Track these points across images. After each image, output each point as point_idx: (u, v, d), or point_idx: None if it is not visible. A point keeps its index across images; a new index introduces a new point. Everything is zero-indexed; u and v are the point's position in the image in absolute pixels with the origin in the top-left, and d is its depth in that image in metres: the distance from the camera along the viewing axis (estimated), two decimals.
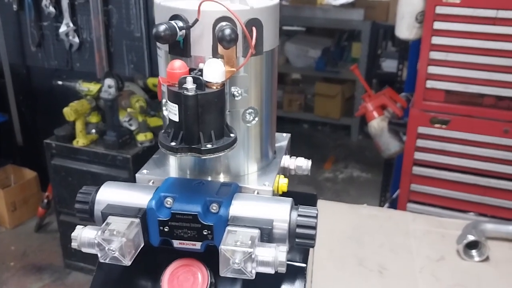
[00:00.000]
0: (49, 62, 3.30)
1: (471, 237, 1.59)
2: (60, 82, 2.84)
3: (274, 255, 0.65)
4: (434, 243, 1.69)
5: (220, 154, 0.66)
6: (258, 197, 0.76)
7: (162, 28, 0.64)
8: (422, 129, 2.34)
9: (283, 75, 5.44)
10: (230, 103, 0.74)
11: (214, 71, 0.65)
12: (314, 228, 0.70)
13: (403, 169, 2.48)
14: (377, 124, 2.68)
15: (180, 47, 0.70)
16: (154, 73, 3.04)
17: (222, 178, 0.80)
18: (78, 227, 0.72)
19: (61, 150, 2.78)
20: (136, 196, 0.74)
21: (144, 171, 0.82)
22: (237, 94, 0.74)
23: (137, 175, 0.81)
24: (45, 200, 3.39)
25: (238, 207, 0.71)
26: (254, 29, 0.69)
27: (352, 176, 4.36)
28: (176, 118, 0.65)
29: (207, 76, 0.65)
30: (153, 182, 0.80)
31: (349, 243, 1.70)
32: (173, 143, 0.66)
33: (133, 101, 2.66)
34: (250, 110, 0.77)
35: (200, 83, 0.64)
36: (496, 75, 2.16)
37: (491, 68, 2.16)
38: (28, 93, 3.54)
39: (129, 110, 2.74)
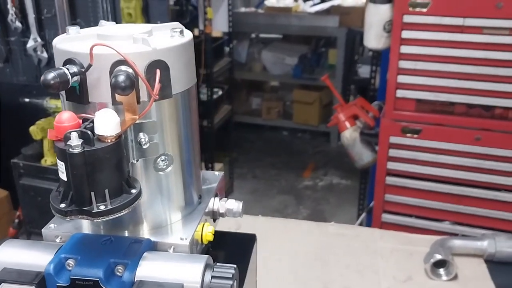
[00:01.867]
0: (17, 77, 3.23)
1: (438, 256, 1.55)
2: (27, 100, 2.77)
3: None
4: (401, 262, 1.65)
5: (116, 216, 0.60)
6: (170, 255, 0.69)
7: (50, 76, 0.58)
8: (394, 139, 2.31)
9: (261, 82, 5.41)
10: (137, 152, 0.68)
11: (105, 123, 0.58)
12: None
13: (377, 180, 2.44)
14: (350, 134, 2.64)
15: (76, 93, 0.64)
16: None
17: (143, 230, 0.73)
18: None
19: (29, 170, 2.71)
20: (36, 258, 0.67)
21: (51, 225, 0.75)
22: (145, 142, 0.67)
23: (43, 230, 0.74)
24: (16, 220, 3.30)
25: (146, 270, 0.64)
26: (157, 71, 0.63)
27: (331, 183, 4.32)
28: (64, 177, 0.58)
29: (98, 129, 0.59)
30: (60, 239, 0.73)
31: (315, 264, 1.65)
32: (62, 205, 0.59)
33: None
34: (163, 157, 0.71)
35: (88, 138, 0.58)
36: (466, 83, 2.14)
37: (460, 76, 2.14)
38: None
39: None
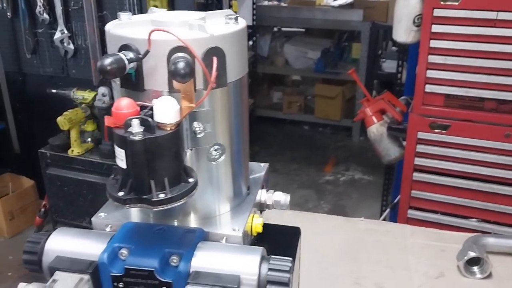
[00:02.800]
0: (44, 69, 3.27)
1: (472, 253, 1.52)
2: (54, 91, 2.80)
3: None
4: (433, 259, 1.62)
5: (175, 205, 0.59)
6: (225, 246, 0.68)
7: (107, 61, 0.57)
8: (421, 135, 2.28)
9: (283, 76, 5.37)
10: (192, 141, 0.67)
11: (165, 111, 0.57)
12: (287, 284, 0.62)
13: (404, 175, 2.42)
14: (376, 129, 2.61)
15: (132, 80, 0.63)
16: None
17: (190, 221, 0.73)
18: (21, 284, 0.65)
19: (56, 160, 2.74)
20: (89, 246, 0.66)
21: (101, 214, 0.75)
22: (199, 131, 0.66)
23: (93, 219, 0.74)
24: (43, 209, 3.34)
25: (201, 260, 0.64)
26: (214, 59, 0.62)
27: (353, 178, 4.28)
28: (123, 165, 0.58)
29: (158, 117, 0.58)
30: (111, 227, 0.73)
31: (346, 260, 1.63)
32: (120, 193, 0.58)
33: None
34: (216, 147, 0.70)
35: (148, 125, 0.57)
36: (497, 78, 2.10)
37: (491, 71, 2.10)
38: (24, 101, 3.50)
39: None
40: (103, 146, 2.60)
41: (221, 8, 3.62)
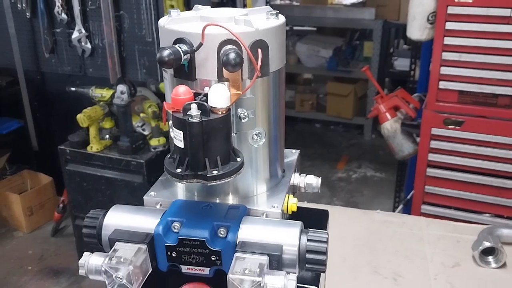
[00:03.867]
0: (62, 68, 3.34)
1: (487, 244, 1.57)
2: (73, 89, 2.86)
3: (283, 284, 0.64)
4: (449, 249, 1.67)
5: (227, 180, 0.66)
6: (267, 220, 0.75)
7: (166, 53, 0.63)
8: (435, 130, 2.32)
9: (295, 75, 5.43)
10: (236, 125, 0.73)
11: (219, 97, 0.64)
12: (324, 253, 0.69)
13: (417, 171, 2.45)
14: (390, 125, 2.65)
15: (185, 70, 0.69)
16: None
17: (230, 199, 0.79)
18: (85, 254, 0.72)
19: (75, 156, 2.80)
20: (144, 221, 0.73)
21: (151, 193, 0.82)
22: (244, 116, 0.73)
23: (144, 197, 0.81)
24: (61, 205, 3.43)
25: (247, 232, 0.70)
26: (259, 51, 0.68)
27: (365, 175, 4.33)
28: (181, 145, 0.64)
29: (212, 102, 0.64)
30: (160, 205, 0.80)
31: (363, 250, 1.69)
32: (178, 170, 0.65)
33: (146, 106, 2.67)
34: (257, 131, 0.76)
35: (204, 109, 0.63)
36: (510, 75, 2.14)
37: (505, 68, 2.13)
38: (42, 99, 3.58)
39: (142, 115, 2.75)
40: (121, 142, 2.66)
41: (235, 7, 3.70)
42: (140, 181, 2.65)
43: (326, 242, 0.69)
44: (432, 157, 2.37)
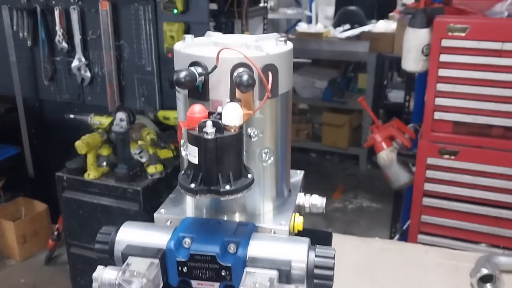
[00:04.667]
0: (61, 95, 3.38)
1: (485, 271, 1.58)
2: (72, 116, 2.88)
3: None
4: (447, 276, 1.68)
5: (239, 195, 0.68)
6: (275, 237, 0.77)
7: (182, 74, 0.67)
8: (431, 160, 2.35)
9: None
10: (246, 144, 0.76)
11: (232, 115, 0.67)
12: (332, 269, 0.71)
13: (413, 200, 2.47)
14: (386, 155, 2.68)
15: (199, 91, 0.73)
16: (164, 106, 3.09)
17: (238, 217, 0.82)
18: (99, 267, 0.73)
19: (72, 183, 2.80)
20: (155, 236, 0.75)
21: (162, 210, 0.84)
22: (254, 135, 0.76)
23: (155, 214, 0.83)
24: (56, 233, 3.40)
25: (256, 248, 0.72)
26: (270, 74, 0.72)
27: (362, 206, 4.34)
28: (195, 161, 0.67)
29: (225, 120, 0.67)
30: (170, 222, 0.82)
31: (362, 277, 1.69)
32: (192, 185, 0.67)
33: (144, 134, 2.69)
34: (266, 150, 0.79)
35: (219, 127, 0.66)
36: (504, 106, 2.18)
37: (498, 99, 2.18)
38: (40, 126, 3.60)
39: (140, 142, 2.77)
40: (119, 170, 2.67)
41: None
42: (136, 209, 2.65)
43: (333, 257, 0.71)
44: (428, 186, 2.39)
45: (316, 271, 0.71)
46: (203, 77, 0.71)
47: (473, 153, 2.27)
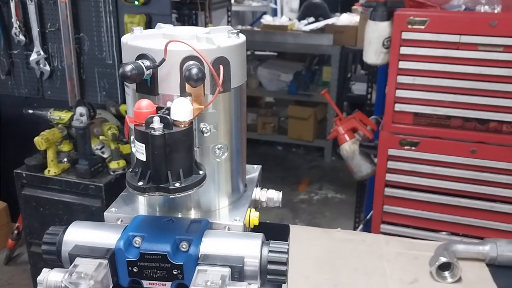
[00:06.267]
0: (19, 90, 3.26)
1: (443, 259, 1.61)
2: (30, 111, 2.79)
3: None
4: (407, 265, 1.71)
5: (189, 193, 0.66)
6: (229, 233, 0.76)
7: (128, 68, 0.64)
8: (392, 151, 2.38)
9: (256, 98, 5.49)
10: (199, 139, 0.74)
11: (181, 110, 0.65)
12: (285, 264, 0.70)
13: (376, 191, 2.51)
14: (349, 147, 2.71)
15: (147, 85, 0.70)
16: None
17: (192, 214, 0.80)
18: (44, 270, 0.70)
19: (32, 180, 2.72)
20: (104, 236, 0.73)
21: (112, 209, 0.81)
22: (206, 131, 0.74)
23: (105, 213, 0.80)
24: (15, 231, 3.30)
25: (209, 245, 0.71)
26: (221, 67, 0.70)
27: (326, 197, 4.39)
28: (143, 158, 0.65)
29: (174, 115, 0.65)
30: (121, 221, 0.79)
31: (324, 268, 1.70)
32: (140, 183, 0.65)
33: (105, 129, 2.63)
34: (219, 146, 0.78)
35: (167, 122, 0.64)
36: (462, 98, 2.23)
37: (457, 91, 2.22)
38: None
39: (101, 137, 2.71)
40: (80, 166, 2.61)
41: None
42: (99, 205, 2.59)
43: (287, 252, 0.70)
44: (390, 177, 2.42)
45: (270, 266, 0.70)
46: (151, 70, 0.68)
47: (433, 144, 2.32)
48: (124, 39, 0.76)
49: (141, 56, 0.70)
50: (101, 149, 2.71)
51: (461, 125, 2.30)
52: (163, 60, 0.68)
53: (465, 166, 2.29)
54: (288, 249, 0.71)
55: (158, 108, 0.68)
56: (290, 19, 5.37)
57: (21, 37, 3.05)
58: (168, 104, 0.68)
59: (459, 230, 2.40)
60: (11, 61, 3.19)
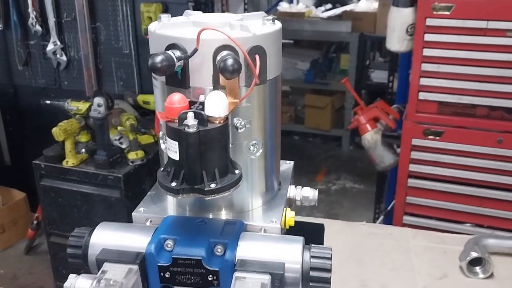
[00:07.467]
0: (36, 80, 3.26)
1: (474, 254, 1.56)
2: (48, 102, 2.78)
3: None
4: (436, 260, 1.66)
5: (225, 194, 0.62)
6: (266, 236, 0.71)
7: (158, 59, 0.59)
8: (416, 141, 2.32)
9: None
10: (232, 136, 0.69)
11: (217, 105, 0.60)
12: (329, 271, 0.65)
13: (398, 181, 2.45)
14: (371, 137, 2.65)
15: (178, 78, 0.65)
16: (144, 89, 3.00)
17: (224, 214, 0.75)
18: (71, 276, 0.66)
19: (50, 171, 2.71)
20: (134, 239, 0.69)
21: (140, 209, 0.77)
22: (240, 126, 0.69)
23: (133, 214, 0.76)
24: (35, 222, 3.32)
25: (246, 249, 0.66)
26: (257, 57, 0.65)
27: (345, 187, 4.33)
28: (176, 157, 0.60)
29: (209, 111, 0.61)
30: (150, 221, 0.75)
31: (350, 263, 1.66)
32: (173, 184, 0.61)
33: (124, 119, 2.61)
34: (253, 142, 0.73)
35: (202, 119, 0.60)
36: (488, 86, 2.16)
37: (483, 79, 2.15)
38: (15, 112, 3.48)
39: (119, 128, 2.69)
40: (98, 156, 2.59)
41: None
42: (118, 196, 2.58)
43: (330, 258, 0.66)
44: (413, 167, 2.37)
45: (312, 273, 0.65)
46: (182, 61, 0.63)
47: (458, 134, 2.25)
48: (152, 27, 0.71)
49: (171, 46, 0.64)
50: (119, 139, 2.69)
51: (487, 114, 2.23)
52: (196, 50, 0.63)
53: (491, 156, 2.22)
54: (331, 254, 0.66)
55: (191, 103, 0.63)
56: (307, 6, 5.27)
57: (38, 28, 3.04)
58: (201, 98, 0.63)
59: (484, 222, 2.34)
60: (28, 51, 3.19)
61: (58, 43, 3.06)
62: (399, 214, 2.50)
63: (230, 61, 0.59)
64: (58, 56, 3.10)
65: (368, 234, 1.80)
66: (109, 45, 2.98)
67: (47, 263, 3.06)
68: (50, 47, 3.07)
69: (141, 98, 2.87)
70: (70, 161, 2.62)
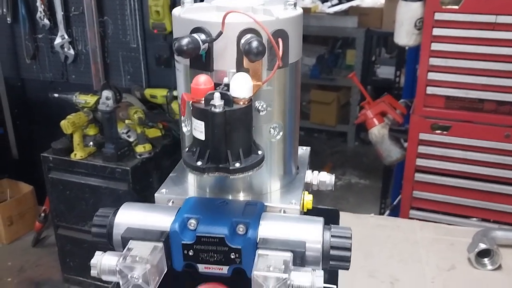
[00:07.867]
0: (44, 74, 3.27)
1: (483, 245, 1.57)
2: (56, 95, 2.80)
3: (311, 281, 0.62)
4: (443, 252, 1.67)
5: (249, 173, 0.63)
6: (287, 217, 0.72)
7: (185, 41, 0.61)
8: (423, 136, 2.33)
9: None
10: (254, 119, 0.71)
11: (242, 86, 0.62)
12: (349, 249, 0.66)
13: (405, 176, 2.46)
14: (378, 131, 2.66)
15: (202, 61, 0.67)
16: (151, 83, 3.01)
17: (243, 196, 0.77)
18: (98, 253, 0.68)
19: (58, 164, 2.73)
20: (158, 218, 0.70)
21: (163, 190, 0.79)
22: (262, 109, 0.71)
23: (156, 194, 0.77)
24: (42, 214, 3.33)
25: (267, 228, 0.68)
26: (280, 40, 0.67)
27: (350, 182, 4.34)
28: (202, 136, 0.62)
29: (234, 92, 0.62)
30: (172, 202, 0.77)
31: (358, 255, 1.67)
32: (199, 163, 0.62)
33: (131, 113, 2.62)
34: (274, 125, 0.74)
35: (227, 99, 0.61)
36: (496, 80, 2.16)
37: (491, 74, 2.16)
38: (23, 106, 3.49)
39: (127, 121, 2.70)
40: (106, 149, 2.61)
41: None
42: (125, 188, 2.60)
43: (350, 237, 0.67)
44: (420, 162, 2.38)
45: (333, 252, 0.67)
46: (206, 44, 0.65)
47: (465, 128, 2.26)
48: (176, 12, 0.72)
49: (196, 30, 0.66)
50: (127, 133, 2.70)
51: (495, 109, 2.23)
52: (221, 33, 0.65)
53: (498, 151, 2.23)
54: (351, 234, 0.67)
55: (215, 85, 0.65)
56: (313, 1, 5.26)
57: (46, 21, 3.05)
58: (225, 80, 0.65)
59: (490, 216, 2.35)
60: (36, 45, 3.20)
61: (66, 36, 3.07)
62: (405, 208, 2.50)
63: (255, 44, 0.61)
64: (65, 50, 3.11)
65: (376, 226, 1.81)
66: (117, 39, 2.99)
67: (55, 255, 3.09)
68: (57, 40, 3.08)
69: (148, 92, 2.89)
70: (78, 154, 2.64)
